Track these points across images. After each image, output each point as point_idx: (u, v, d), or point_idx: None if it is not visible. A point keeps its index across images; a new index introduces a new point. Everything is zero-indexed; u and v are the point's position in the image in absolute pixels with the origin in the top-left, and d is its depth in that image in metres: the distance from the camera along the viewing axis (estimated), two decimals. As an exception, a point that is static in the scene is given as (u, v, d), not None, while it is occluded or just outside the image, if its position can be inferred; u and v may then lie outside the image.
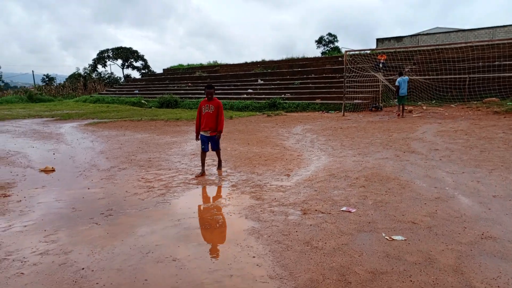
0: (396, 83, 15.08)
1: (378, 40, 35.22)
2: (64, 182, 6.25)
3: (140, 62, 58.91)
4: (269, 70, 27.40)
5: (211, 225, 4.28)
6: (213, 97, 6.59)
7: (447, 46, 20.89)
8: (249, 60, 31.75)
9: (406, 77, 15.81)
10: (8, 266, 3.32)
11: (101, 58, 56.50)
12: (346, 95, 16.73)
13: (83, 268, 3.25)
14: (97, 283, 3.00)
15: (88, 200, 5.22)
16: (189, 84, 29.82)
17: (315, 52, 60.89)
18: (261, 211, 4.65)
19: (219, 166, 7.04)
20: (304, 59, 28.59)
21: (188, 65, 38.43)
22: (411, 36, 34.63)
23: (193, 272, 3.16)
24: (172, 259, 3.41)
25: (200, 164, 6.78)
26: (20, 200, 5.22)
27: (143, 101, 26.56)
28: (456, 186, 5.46)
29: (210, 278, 3.07)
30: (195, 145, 9.24)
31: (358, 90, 18.47)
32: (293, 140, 10.19)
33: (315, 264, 3.25)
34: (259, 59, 31.51)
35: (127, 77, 53.73)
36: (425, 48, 21.87)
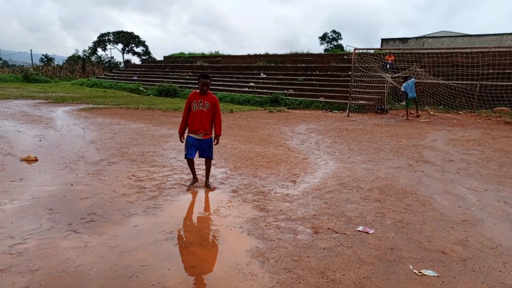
0: (402, 89, 14.61)
1: (383, 40, 34.58)
2: (46, 175, 5.62)
3: (141, 47, 57.90)
4: (272, 64, 26.71)
5: (208, 241, 3.69)
6: (208, 91, 5.20)
7: (458, 50, 20.27)
8: (251, 52, 31.04)
9: (413, 79, 15.25)
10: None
11: (102, 41, 55.40)
12: (351, 95, 16.10)
13: (50, 294, 2.65)
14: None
15: (69, 199, 4.60)
16: (190, 73, 29.08)
17: (318, 48, 60.19)
18: (265, 226, 4.06)
19: (207, 179, 5.46)
20: (309, 54, 27.90)
21: (190, 54, 37.60)
22: (417, 38, 33.99)
23: (184, 308, 2.57)
24: (161, 287, 2.82)
25: (190, 171, 5.50)
26: (-8, 196, 4.59)
27: (141, 88, 25.82)
28: (482, 207, 4.89)
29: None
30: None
31: (363, 90, 17.86)
32: (297, 141, 9.59)
33: (334, 305, 2.67)
34: (262, 52, 30.78)
35: (127, 62, 52.74)
36: (436, 51, 21.22)
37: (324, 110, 17.44)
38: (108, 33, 55.62)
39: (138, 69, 35.92)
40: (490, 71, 17.41)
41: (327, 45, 60.21)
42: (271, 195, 5.12)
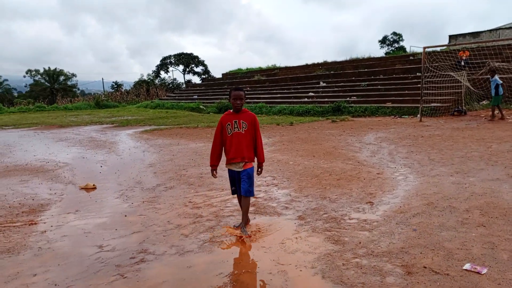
0: (499, 82, 12.99)
1: (451, 37, 31.95)
2: (101, 204, 5.36)
3: (201, 67, 59.69)
4: (331, 72, 25.71)
5: None
6: (243, 107, 4.15)
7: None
8: (309, 62, 30.26)
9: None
10: None
11: (164, 64, 58.04)
12: (423, 98, 14.65)
13: None
14: None
15: (121, 234, 4.21)
16: (248, 88, 29.02)
17: (379, 52, 57.84)
18: (343, 264, 3.30)
19: (243, 221, 4.19)
20: (370, 58, 26.49)
21: (247, 69, 37.78)
22: (490, 31, 30.93)
23: None
24: None
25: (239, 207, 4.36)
26: (45, 231, 4.35)
27: (201, 106, 26.20)
28: None
29: None
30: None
31: (435, 92, 16.25)
32: (367, 152, 8.64)
33: None
34: (320, 61, 29.89)
35: (187, 82, 54.63)
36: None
37: (393, 116, 16.11)
38: (169, 56, 58.17)
39: (198, 88, 36.80)
40: None
41: (388, 48, 57.76)
42: (346, 222, 4.34)
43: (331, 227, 4.20)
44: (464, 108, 15.52)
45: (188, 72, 59.80)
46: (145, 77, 55.36)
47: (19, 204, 5.46)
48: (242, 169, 4.09)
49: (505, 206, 4.61)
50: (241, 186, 4.09)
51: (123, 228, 4.40)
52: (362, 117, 16.85)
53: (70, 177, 7.16)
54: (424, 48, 14.61)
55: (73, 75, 65.42)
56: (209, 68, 59.90)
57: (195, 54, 58.90)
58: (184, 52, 58.57)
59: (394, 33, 59.54)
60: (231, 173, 4.21)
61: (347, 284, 2.98)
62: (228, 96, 4.41)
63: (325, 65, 28.14)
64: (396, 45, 57.64)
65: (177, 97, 34.67)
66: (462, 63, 18.10)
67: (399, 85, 19.60)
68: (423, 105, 14.62)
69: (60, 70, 62.89)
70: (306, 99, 21.89)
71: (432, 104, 15.68)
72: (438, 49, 22.64)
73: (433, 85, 16.11)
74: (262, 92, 26.86)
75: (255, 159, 4.22)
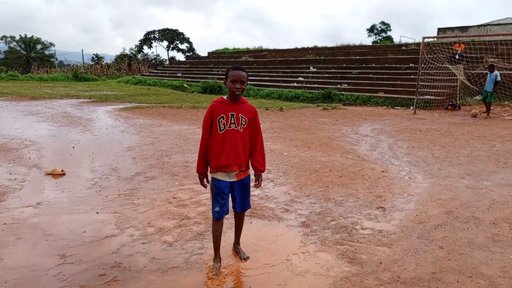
0: (498, 78, 12.54)
1: (439, 30, 31.49)
2: (69, 197, 4.56)
3: (186, 44, 57.83)
4: (322, 57, 24.95)
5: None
6: (243, 97, 3.03)
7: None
8: (299, 46, 29.39)
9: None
10: None
11: (147, 39, 55.91)
12: (419, 90, 14.13)
13: None
14: None
15: (90, 239, 3.46)
16: (235, 69, 27.99)
17: (366, 41, 57.35)
18: (367, 295, 2.67)
19: (237, 241, 3.33)
20: (362, 46, 25.85)
21: (234, 49, 36.58)
22: (478, 26, 30.66)
23: None
24: None
25: (213, 246, 3.10)
26: (-5, 230, 3.55)
27: (185, 85, 25.10)
28: None
29: None
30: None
31: (430, 84, 15.79)
32: (366, 146, 8.04)
33: None
34: (310, 45, 29.05)
35: (171, 59, 52.85)
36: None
37: (385, 107, 15.59)
38: (153, 31, 56.02)
39: (182, 65, 35.44)
40: None
41: (375, 37, 57.51)
42: (359, 233, 3.71)
43: (343, 239, 3.56)
44: (458, 102, 15.13)
45: (173, 49, 57.92)
46: (127, 51, 53.33)
47: (-30, 191, 4.61)
48: (236, 179, 3.00)
49: (535, 219, 4.07)
50: (237, 201, 3.06)
51: (93, 229, 3.64)
52: (354, 106, 16.27)
53: (36, 159, 6.27)
54: (423, 38, 14.01)
55: (51, 44, 62.29)
56: (195, 46, 58.18)
57: (180, 30, 56.93)
58: (169, 28, 56.55)
59: (383, 23, 59.30)
60: (218, 184, 2.95)
61: (377, 326, 2.35)
62: (219, 76, 3.31)
63: (315, 50, 27.33)
64: (384, 35, 57.40)
65: (160, 74, 33.29)
66: (457, 57, 17.65)
67: (391, 75, 19.07)
68: (418, 97, 14.12)
69: (38, 38, 59.81)
70: (295, 84, 21.14)
71: (426, 97, 15.22)
72: (431, 40, 22.22)
73: (428, 77, 15.63)
74: (250, 74, 25.69)
75: (249, 165, 3.10)
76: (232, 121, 2.92)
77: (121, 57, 48.84)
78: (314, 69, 23.14)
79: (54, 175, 5.38)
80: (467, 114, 13.55)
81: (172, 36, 56.58)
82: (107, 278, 2.80)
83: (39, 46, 60.35)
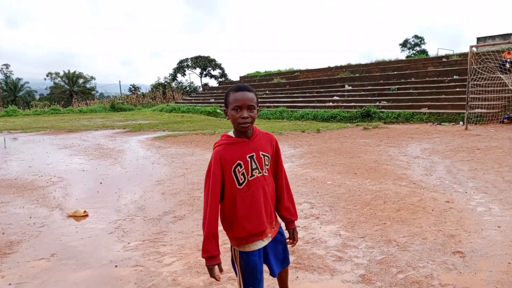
0: None
1: (478, 39, 29.88)
2: (87, 245, 4.02)
3: (218, 70, 58.63)
4: (357, 75, 24.08)
5: None
6: (255, 127, 2.20)
7: None
8: (332, 65, 28.66)
9: None
10: None
11: (181, 67, 57.15)
12: (468, 103, 12.94)
13: None
14: None
15: (103, 304, 2.85)
16: (267, 91, 27.66)
17: (400, 56, 56.02)
18: None
19: None
20: (399, 61, 24.74)
21: (265, 72, 36.38)
22: (520, 32, 28.79)
23: None
24: None
25: None
26: (-4, 294, 3.03)
27: (218, 110, 24.93)
28: None
29: None
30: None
31: (481, 96, 14.52)
32: (420, 169, 7.10)
33: None
34: (343, 63, 28.25)
35: (204, 85, 53.60)
36: None
37: (431, 123, 14.43)
38: (186, 59, 57.24)
39: (215, 91, 35.61)
40: None
41: (409, 52, 56.01)
42: (439, 293, 2.87)
43: (419, 303, 2.73)
44: (514, 114, 13.74)
45: (205, 76, 58.85)
46: (161, 80, 54.65)
47: (-17, 240, 4.18)
48: (271, 238, 2.22)
49: None
50: (274, 264, 2.24)
51: (108, 291, 3.04)
52: (396, 124, 15.22)
53: (61, 198, 5.86)
54: (471, 47, 12.93)
55: (92, 77, 65.47)
56: (227, 71, 58.84)
57: (212, 57, 57.87)
58: (201, 55, 57.62)
59: (416, 36, 57.85)
60: (253, 258, 2.12)
61: None
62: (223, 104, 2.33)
63: (349, 67, 26.49)
64: (418, 48, 55.76)
65: (193, 101, 33.54)
66: (507, 65, 16.28)
67: (434, 89, 17.87)
68: (469, 111, 12.92)
69: (80, 73, 62.94)
70: (330, 103, 20.33)
71: (477, 110, 13.96)
72: (474, 49, 20.84)
73: (478, 89, 14.40)
74: (283, 96, 25.41)
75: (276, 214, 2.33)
76: (254, 166, 2.09)
77: (156, 86, 50.03)
78: (350, 87, 22.28)
79: (76, 217, 4.91)
80: (527, 127, 12.19)
81: (204, 63, 57.57)
82: None
83: (81, 80, 63.47)
